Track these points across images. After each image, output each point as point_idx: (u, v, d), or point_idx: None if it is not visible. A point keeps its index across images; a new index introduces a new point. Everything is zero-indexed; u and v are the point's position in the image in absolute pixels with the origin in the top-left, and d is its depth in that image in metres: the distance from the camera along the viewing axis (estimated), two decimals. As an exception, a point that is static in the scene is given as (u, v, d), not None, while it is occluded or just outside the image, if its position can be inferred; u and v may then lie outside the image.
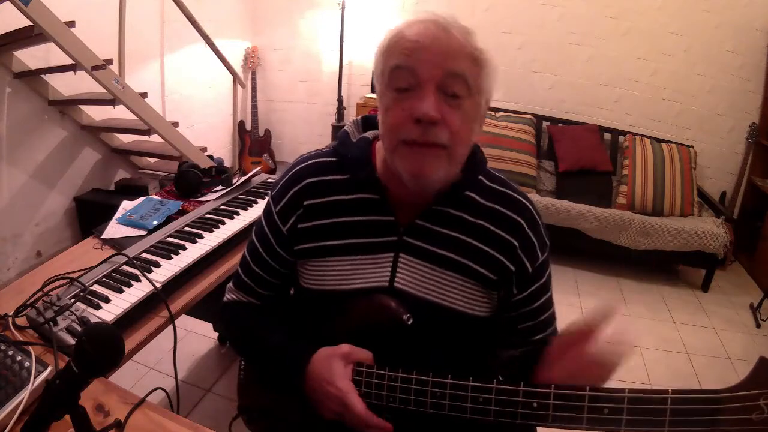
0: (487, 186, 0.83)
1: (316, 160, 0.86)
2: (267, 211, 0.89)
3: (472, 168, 0.82)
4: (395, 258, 0.81)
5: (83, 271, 1.18)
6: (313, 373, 0.77)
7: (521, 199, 0.83)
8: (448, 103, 0.71)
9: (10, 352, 0.86)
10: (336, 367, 0.75)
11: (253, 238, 0.92)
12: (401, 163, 0.73)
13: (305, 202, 0.84)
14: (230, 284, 0.98)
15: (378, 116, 0.78)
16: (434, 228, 0.81)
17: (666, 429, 0.59)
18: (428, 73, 0.69)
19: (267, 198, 0.91)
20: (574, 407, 0.63)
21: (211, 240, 1.35)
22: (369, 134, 0.87)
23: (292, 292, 0.96)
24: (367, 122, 0.91)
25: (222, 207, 1.55)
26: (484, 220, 0.81)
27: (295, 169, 0.87)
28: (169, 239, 1.35)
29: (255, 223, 0.93)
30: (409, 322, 0.76)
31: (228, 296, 0.98)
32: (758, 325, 2.57)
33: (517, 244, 0.81)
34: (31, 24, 1.93)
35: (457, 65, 0.70)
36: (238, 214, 1.51)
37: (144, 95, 2.45)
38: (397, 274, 0.81)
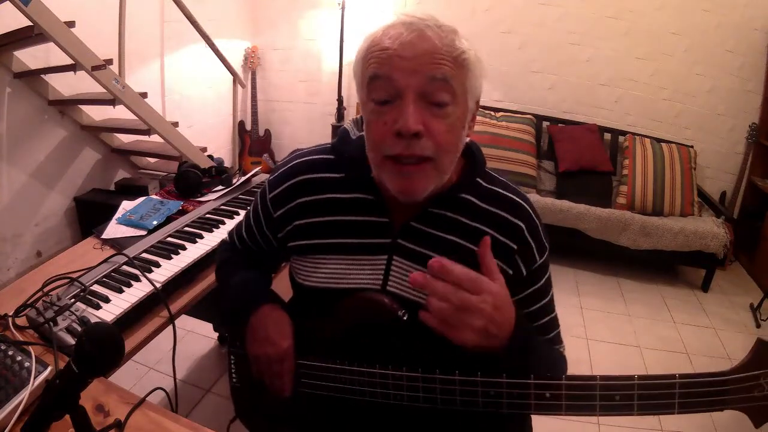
0: (485, 189, 0.81)
1: (314, 157, 0.87)
2: (262, 193, 0.91)
3: (470, 170, 0.81)
4: (388, 260, 0.80)
5: (83, 271, 1.18)
6: (263, 319, 0.85)
7: (521, 202, 0.81)
8: (432, 112, 0.67)
9: (10, 352, 0.85)
10: (284, 326, 0.84)
11: (249, 212, 0.97)
12: (389, 179, 0.72)
13: (299, 200, 0.84)
14: (230, 231, 1.07)
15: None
16: (429, 230, 0.79)
17: (676, 410, 0.65)
18: (406, 80, 0.66)
19: (265, 180, 0.95)
20: (586, 396, 0.67)
21: (211, 240, 1.35)
22: None
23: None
24: None
25: (222, 207, 1.55)
26: (482, 224, 0.79)
27: (293, 162, 0.88)
28: (169, 239, 1.35)
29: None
30: (405, 318, 0.76)
31: (227, 237, 1.07)
32: (758, 325, 2.57)
33: (515, 248, 0.79)
34: (31, 24, 1.92)
35: (437, 69, 0.65)
36: (238, 214, 1.51)
37: (144, 95, 2.44)
38: (390, 277, 0.80)
